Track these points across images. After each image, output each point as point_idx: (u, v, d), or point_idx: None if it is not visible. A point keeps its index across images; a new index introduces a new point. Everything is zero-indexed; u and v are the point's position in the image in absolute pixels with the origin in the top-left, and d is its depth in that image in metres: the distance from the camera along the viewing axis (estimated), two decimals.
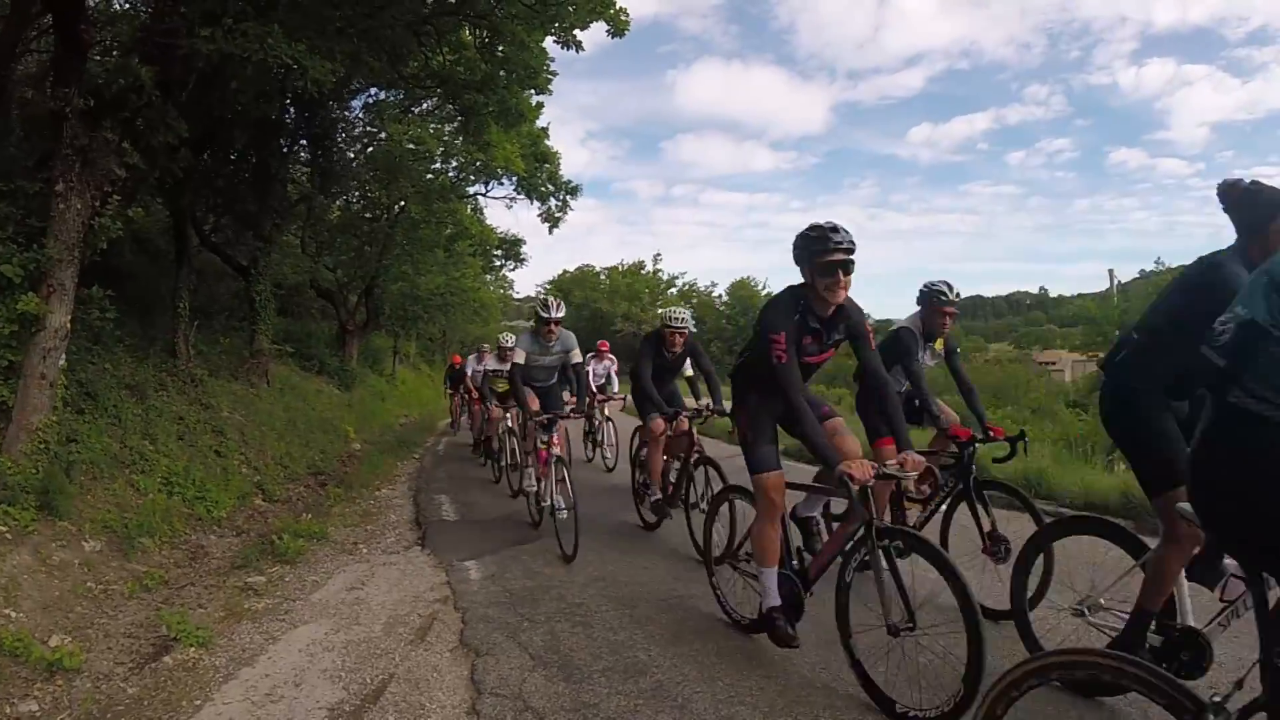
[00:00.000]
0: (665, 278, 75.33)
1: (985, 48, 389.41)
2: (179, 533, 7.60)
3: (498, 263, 32.06)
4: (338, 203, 22.20)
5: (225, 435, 10.64)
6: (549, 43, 12.97)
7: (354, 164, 19.90)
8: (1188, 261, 3.76)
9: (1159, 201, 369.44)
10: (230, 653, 4.89)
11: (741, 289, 71.36)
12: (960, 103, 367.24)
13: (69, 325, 7.12)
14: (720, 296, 72.49)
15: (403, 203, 22.14)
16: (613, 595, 5.86)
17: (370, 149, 20.15)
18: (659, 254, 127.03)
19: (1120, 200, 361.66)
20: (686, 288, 75.98)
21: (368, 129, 19.77)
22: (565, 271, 75.56)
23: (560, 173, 24.50)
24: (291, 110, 15.27)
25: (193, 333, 12.27)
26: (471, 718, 3.92)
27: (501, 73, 13.56)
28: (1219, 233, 3.71)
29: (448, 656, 4.76)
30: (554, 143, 24.83)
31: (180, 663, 4.70)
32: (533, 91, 16.15)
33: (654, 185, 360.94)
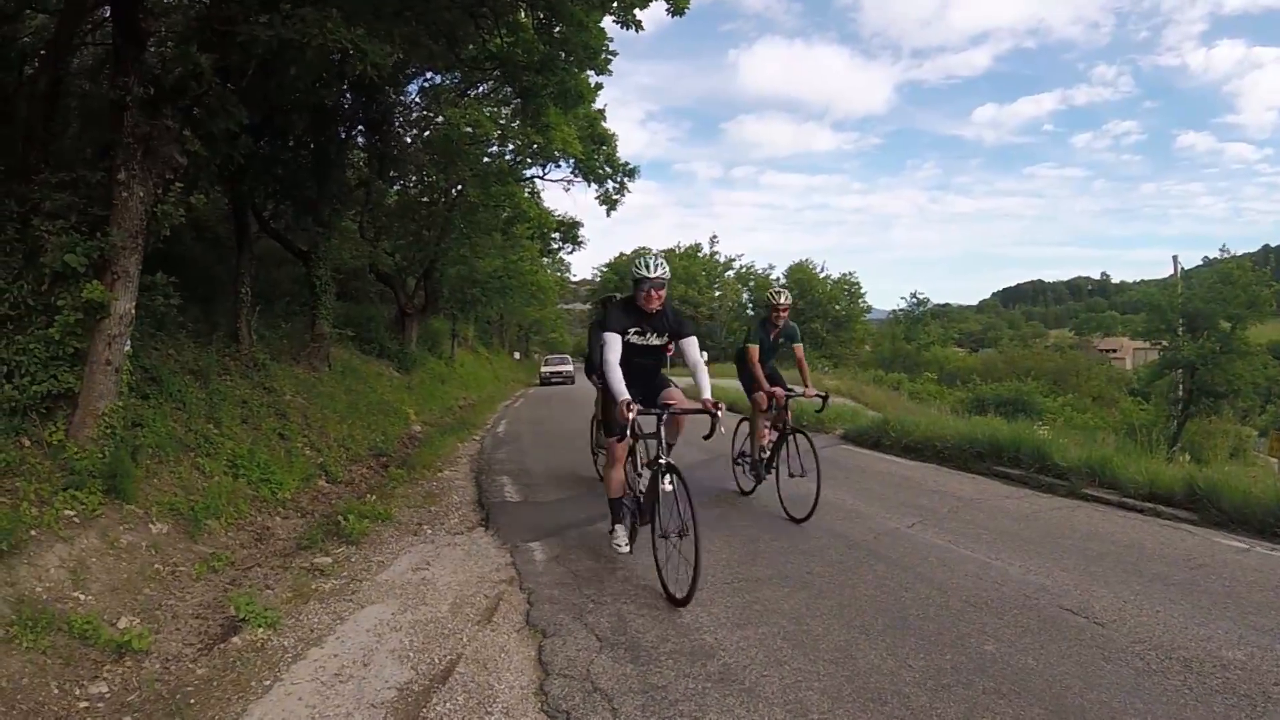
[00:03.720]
0: (722, 260, 75.15)
1: (1053, 26, 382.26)
2: (245, 514, 7.67)
3: (555, 246, 32.21)
4: (396, 187, 22.36)
5: (288, 418, 10.76)
6: (608, 22, 12.90)
7: (411, 148, 19.97)
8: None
9: (1225, 187, 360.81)
10: (298, 633, 4.88)
11: (800, 272, 70.84)
12: (1026, 83, 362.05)
13: (133, 312, 7.20)
14: (779, 279, 72.00)
15: (460, 186, 22.24)
16: None
17: (428, 133, 20.20)
18: (715, 236, 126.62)
19: (1186, 185, 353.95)
20: (744, 270, 75.74)
21: (424, 113, 19.82)
22: (622, 254, 75.69)
23: (618, 155, 24.52)
24: (349, 96, 15.38)
25: (254, 317, 12.43)
26: (540, 698, 3.86)
27: (560, 54, 13.45)
28: None
29: (514, 637, 4.71)
30: (612, 124, 24.79)
31: (249, 643, 4.70)
32: (591, 72, 16.06)
33: (713, 167, 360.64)
